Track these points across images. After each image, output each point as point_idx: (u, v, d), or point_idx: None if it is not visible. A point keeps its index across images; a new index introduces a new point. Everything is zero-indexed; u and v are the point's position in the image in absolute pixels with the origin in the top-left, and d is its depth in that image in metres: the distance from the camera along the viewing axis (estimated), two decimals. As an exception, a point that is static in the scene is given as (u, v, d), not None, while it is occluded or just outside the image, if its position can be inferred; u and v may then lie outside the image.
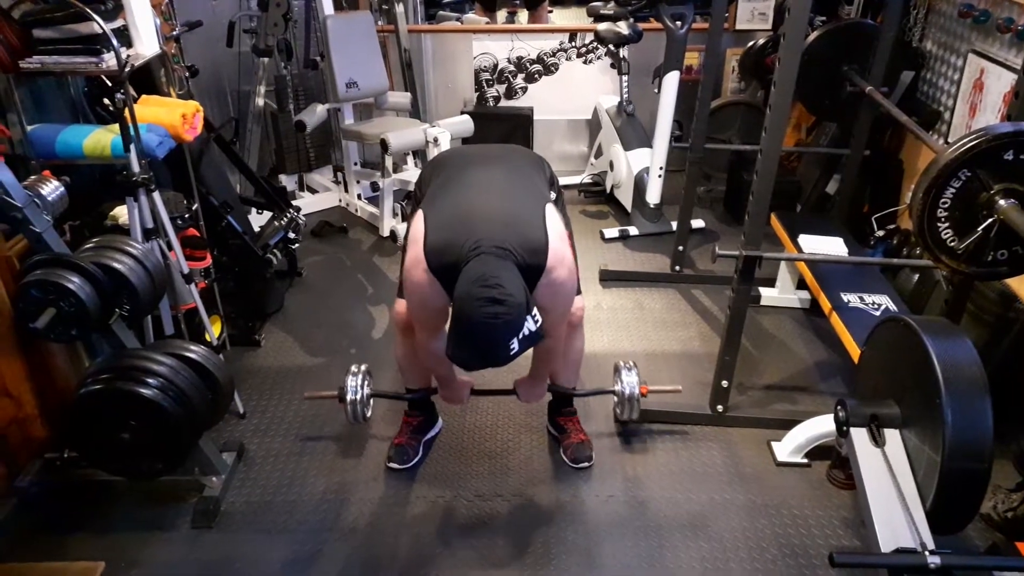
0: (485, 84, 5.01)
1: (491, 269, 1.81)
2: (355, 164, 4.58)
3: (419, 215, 2.06)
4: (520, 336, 1.82)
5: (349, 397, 2.49)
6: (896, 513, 1.77)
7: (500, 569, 2.23)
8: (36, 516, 2.38)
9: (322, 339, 3.34)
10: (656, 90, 3.92)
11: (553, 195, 2.24)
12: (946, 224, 1.89)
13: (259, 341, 3.28)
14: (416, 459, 2.61)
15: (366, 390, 2.51)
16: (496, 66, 4.96)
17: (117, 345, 2.30)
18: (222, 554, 2.28)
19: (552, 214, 2.05)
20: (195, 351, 2.34)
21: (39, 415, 2.41)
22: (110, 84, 2.62)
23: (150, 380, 2.13)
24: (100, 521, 2.38)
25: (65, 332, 2.17)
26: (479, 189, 2.09)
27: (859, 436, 1.95)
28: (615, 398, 2.59)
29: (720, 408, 2.76)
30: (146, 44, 2.64)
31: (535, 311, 1.86)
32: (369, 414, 2.56)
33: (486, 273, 1.80)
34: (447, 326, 1.95)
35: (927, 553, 1.64)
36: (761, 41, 4.33)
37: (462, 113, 4.45)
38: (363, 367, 2.56)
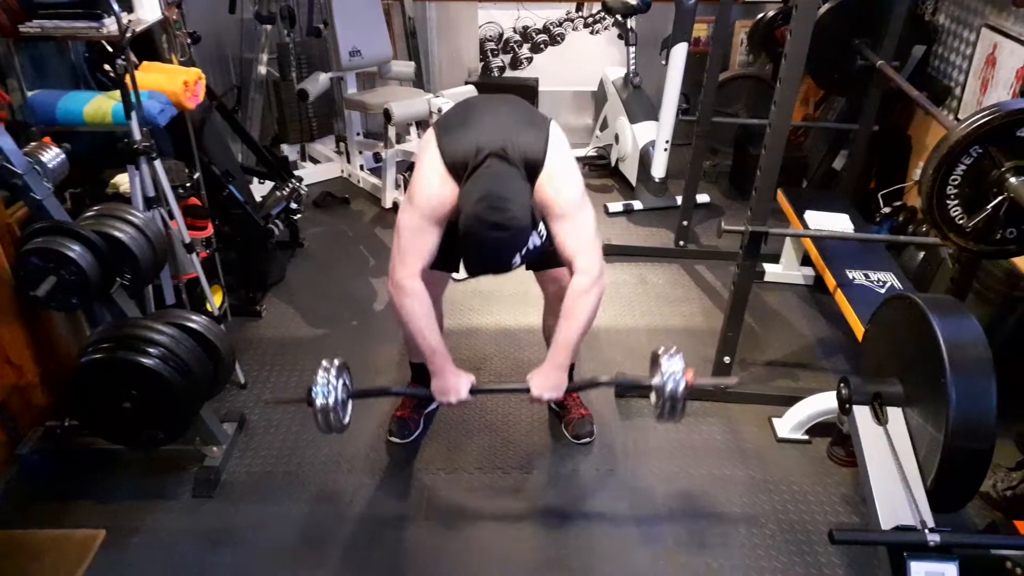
0: (490, 54, 4.95)
1: (498, 187, 1.87)
2: (358, 134, 4.55)
3: (430, 130, 2.10)
4: (523, 252, 1.98)
5: (319, 402, 1.96)
6: (897, 491, 1.77)
7: (499, 541, 2.24)
8: (37, 484, 2.39)
9: (324, 310, 3.33)
10: (663, 62, 3.87)
11: None
12: (955, 201, 1.87)
13: (260, 312, 3.28)
14: (417, 432, 2.61)
15: (340, 393, 1.98)
16: (501, 36, 4.90)
17: (118, 314, 2.30)
18: (222, 523, 2.29)
19: (556, 129, 2.07)
20: (196, 321, 2.34)
21: (40, 383, 2.43)
22: (111, 50, 2.58)
23: (151, 350, 2.12)
24: (101, 489, 2.39)
25: (66, 300, 2.16)
26: (487, 109, 2.14)
27: (862, 414, 1.95)
28: (653, 395, 2.06)
29: (722, 384, 2.75)
30: (147, 9, 2.63)
31: (541, 227, 2.00)
32: (347, 420, 2.05)
33: (492, 192, 1.85)
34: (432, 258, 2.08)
35: (927, 531, 1.65)
36: (771, 13, 4.26)
37: (466, 83, 4.41)
38: (336, 361, 2.04)
